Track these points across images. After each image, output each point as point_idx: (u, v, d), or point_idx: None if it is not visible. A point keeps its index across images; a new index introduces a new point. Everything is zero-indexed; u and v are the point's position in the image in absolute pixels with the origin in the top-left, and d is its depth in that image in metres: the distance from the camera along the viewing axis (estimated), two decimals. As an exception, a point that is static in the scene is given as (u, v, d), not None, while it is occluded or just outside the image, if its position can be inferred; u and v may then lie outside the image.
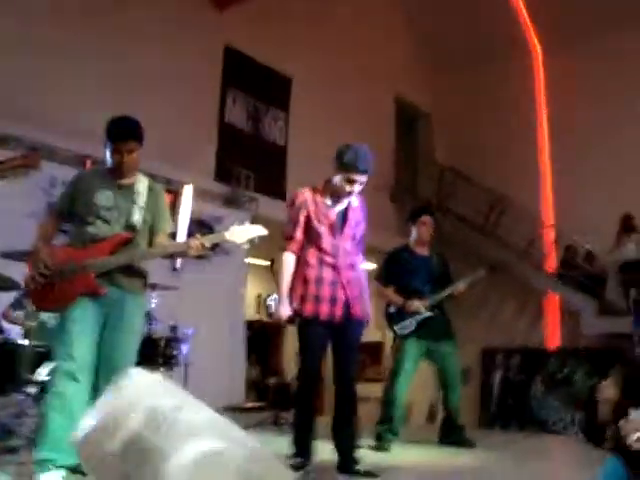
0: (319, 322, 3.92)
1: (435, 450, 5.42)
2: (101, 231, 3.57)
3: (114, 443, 1.89)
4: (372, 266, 12.97)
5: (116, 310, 3.54)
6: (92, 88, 7.54)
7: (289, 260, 4.00)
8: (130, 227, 3.65)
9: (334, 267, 3.97)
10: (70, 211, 3.66)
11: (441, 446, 5.49)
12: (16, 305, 5.38)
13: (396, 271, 5.54)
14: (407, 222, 5.84)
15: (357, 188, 3.99)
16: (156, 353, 5.54)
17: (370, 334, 12.68)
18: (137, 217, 3.65)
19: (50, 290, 3.49)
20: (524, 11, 12.76)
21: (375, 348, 12.41)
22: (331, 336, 3.99)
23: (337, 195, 4.02)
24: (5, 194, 5.55)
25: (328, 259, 3.96)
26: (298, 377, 4.08)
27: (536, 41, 12.96)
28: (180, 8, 8.86)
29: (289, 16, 10.20)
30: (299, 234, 3.99)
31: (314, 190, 4.06)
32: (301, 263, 4.00)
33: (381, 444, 5.21)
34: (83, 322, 3.44)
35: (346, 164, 3.90)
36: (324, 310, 3.92)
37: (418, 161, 13.57)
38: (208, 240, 3.65)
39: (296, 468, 3.55)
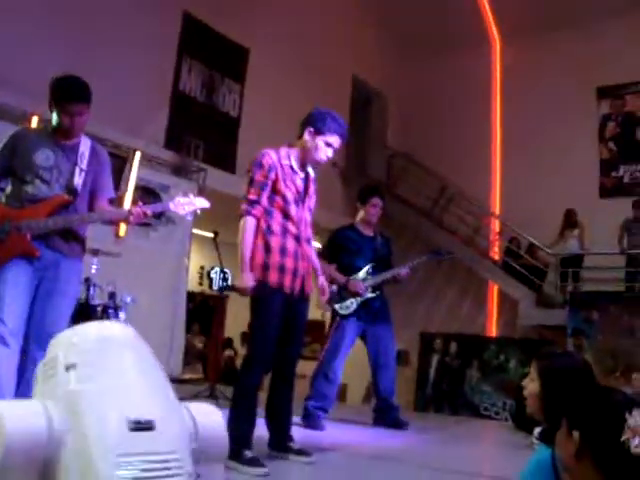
0: (281, 294, 3.62)
1: (369, 431, 5.46)
2: (40, 191, 3.46)
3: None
4: (318, 245, 13.02)
5: (50, 273, 3.46)
6: (42, 43, 7.30)
7: (251, 225, 3.61)
8: (70, 190, 3.55)
9: (297, 238, 3.72)
10: (7, 168, 3.52)
11: (375, 427, 5.53)
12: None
13: (340, 249, 5.52)
14: (357, 201, 5.81)
15: (331, 154, 3.83)
16: (93, 319, 5.45)
17: (311, 312, 12.78)
18: (78, 179, 3.56)
19: None
20: (485, 1, 12.84)
21: (316, 326, 12.48)
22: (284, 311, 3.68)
23: (306, 161, 3.81)
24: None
25: (292, 228, 3.70)
26: (248, 357, 3.67)
27: (495, 30, 13.06)
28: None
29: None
30: (264, 198, 3.63)
31: (278, 152, 3.75)
32: (261, 230, 3.63)
33: (312, 421, 5.18)
34: (16, 284, 3.34)
35: (326, 127, 3.73)
36: (287, 282, 3.64)
37: (370, 143, 13.58)
38: (151, 209, 3.60)
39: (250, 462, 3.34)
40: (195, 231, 9.14)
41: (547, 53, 11.84)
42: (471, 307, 11.89)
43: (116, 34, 8.12)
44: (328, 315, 5.73)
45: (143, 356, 1.95)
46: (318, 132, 3.75)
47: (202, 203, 3.71)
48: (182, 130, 9.19)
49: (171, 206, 3.63)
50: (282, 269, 3.63)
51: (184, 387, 6.96)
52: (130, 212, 3.54)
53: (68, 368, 1.71)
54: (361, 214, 5.66)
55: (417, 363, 10.98)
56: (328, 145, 3.77)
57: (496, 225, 12.38)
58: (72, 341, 1.81)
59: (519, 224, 11.24)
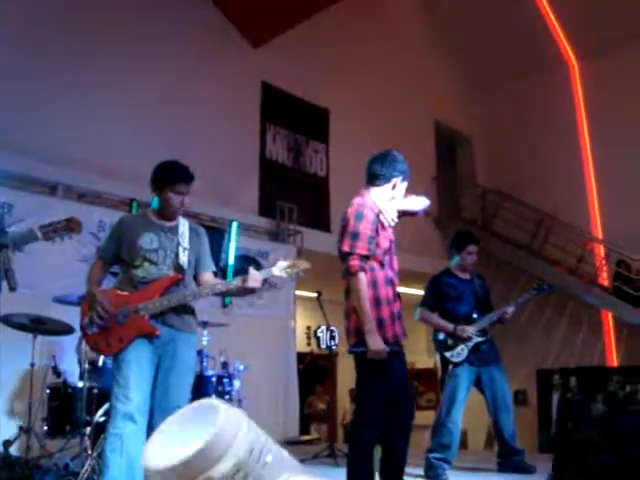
0: (399, 348, 3.48)
1: (494, 477, 5.31)
2: (150, 274, 3.66)
3: (218, 469, 1.80)
4: (420, 292, 12.96)
5: (169, 350, 3.63)
6: (135, 133, 7.75)
7: (365, 281, 3.38)
8: (178, 268, 3.74)
9: (393, 284, 3.57)
10: (116, 255, 3.75)
11: (500, 473, 5.37)
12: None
13: (440, 296, 5.47)
14: (451, 247, 5.77)
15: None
16: (209, 390, 5.60)
17: (422, 361, 12.63)
18: (183, 257, 3.74)
19: (106, 334, 3.58)
20: (555, 24, 12.67)
21: (428, 375, 12.32)
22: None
23: (397, 212, 3.65)
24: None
25: (391, 275, 3.56)
26: (361, 415, 3.51)
27: (570, 52, 12.84)
28: (215, 48, 9.08)
29: (322, 49, 10.34)
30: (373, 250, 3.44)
31: (373, 204, 3.58)
32: (369, 283, 3.42)
33: (435, 474, 5.09)
34: (139, 364, 3.52)
35: (406, 175, 3.68)
36: (398, 331, 3.52)
37: (460, 184, 13.52)
38: (260, 276, 3.72)
39: None
40: (298, 292, 9.29)
41: (627, 67, 11.54)
42: (586, 338, 11.41)
43: (201, 112, 8.52)
44: (438, 363, 5.67)
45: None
46: (402, 179, 3.68)
47: (304, 265, 3.76)
48: (274, 195, 9.46)
49: (275, 271, 3.72)
50: (392, 320, 3.49)
51: (304, 448, 6.99)
52: (244, 280, 3.65)
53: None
54: (456, 260, 5.60)
55: (536, 402, 10.60)
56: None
57: (601, 250, 11.96)
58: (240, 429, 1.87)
59: (625, 246, 10.84)
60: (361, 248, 3.41)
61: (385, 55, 11.41)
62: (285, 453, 1.94)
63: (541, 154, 12.23)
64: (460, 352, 5.30)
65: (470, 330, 5.29)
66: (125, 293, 3.66)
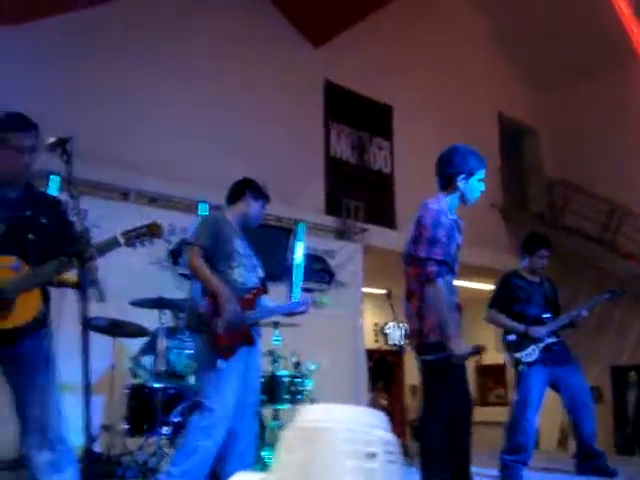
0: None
1: (571, 479, 5.21)
2: (247, 280, 3.79)
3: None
4: (486, 287, 12.79)
5: (253, 355, 3.77)
6: (201, 136, 7.87)
7: (444, 287, 3.40)
8: (262, 280, 3.89)
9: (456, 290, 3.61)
10: (212, 250, 3.76)
11: (579, 476, 5.26)
12: (146, 350, 5.65)
13: (509, 298, 5.40)
14: (522, 249, 5.66)
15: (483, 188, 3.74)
16: (282, 390, 5.67)
17: (491, 356, 12.47)
18: (260, 270, 3.85)
19: (230, 336, 3.65)
20: (628, 21, 12.29)
21: (497, 370, 12.17)
22: None
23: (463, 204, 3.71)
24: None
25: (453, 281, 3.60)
26: (432, 419, 3.51)
27: (642, 44, 12.45)
28: (277, 49, 9.14)
29: (383, 46, 10.33)
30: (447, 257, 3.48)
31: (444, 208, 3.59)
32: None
33: (511, 475, 5.02)
34: (237, 369, 3.64)
35: (475, 165, 3.68)
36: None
37: (526, 176, 13.30)
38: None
39: None
40: (365, 290, 9.30)
41: None
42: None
43: (266, 114, 8.60)
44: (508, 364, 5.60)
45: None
46: (470, 174, 3.67)
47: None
48: (340, 194, 9.50)
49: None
50: (458, 326, 3.45)
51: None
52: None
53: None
54: (526, 262, 5.51)
55: (611, 400, 10.35)
56: (480, 180, 3.71)
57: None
58: None
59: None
60: (438, 254, 3.43)
61: (447, 49, 11.32)
62: None
63: (613, 146, 11.91)
64: (531, 352, 5.23)
65: (542, 331, 5.22)
66: (236, 296, 3.70)
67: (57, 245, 2.79)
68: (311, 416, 1.95)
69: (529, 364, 5.23)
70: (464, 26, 11.95)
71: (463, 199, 3.69)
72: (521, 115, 13.10)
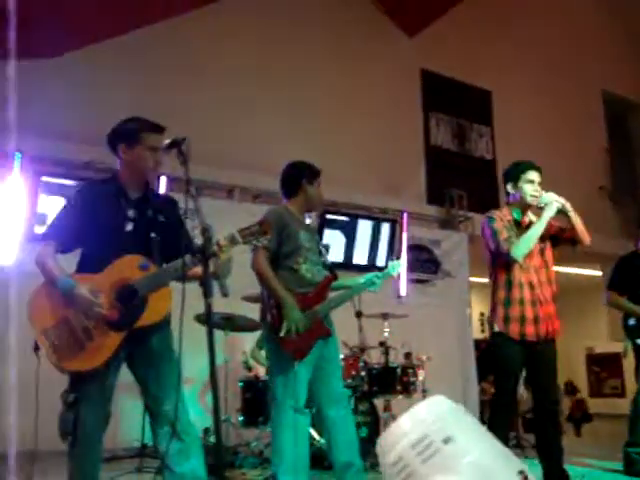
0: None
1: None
2: (314, 275, 3.74)
3: (390, 456, 2.09)
4: (594, 273, 12.34)
5: (329, 347, 3.76)
6: (298, 131, 7.88)
7: None
8: (330, 269, 3.85)
9: None
10: (278, 249, 3.70)
11: None
12: (261, 343, 5.75)
13: (630, 279, 5.16)
14: (638, 228, 5.42)
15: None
16: (394, 381, 5.67)
17: (604, 345, 12.07)
18: (327, 256, 3.87)
19: (300, 338, 3.61)
20: None
21: (611, 360, 11.76)
22: None
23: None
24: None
25: None
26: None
27: None
28: (372, 40, 9.11)
29: (477, 31, 10.11)
30: None
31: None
32: None
33: (633, 468, 4.81)
34: (310, 364, 3.64)
35: (521, 171, 4.06)
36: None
37: (635, 157, 12.72)
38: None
39: None
40: (472, 279, 9.17)
41: None
42: None
43: (361, 106, 8.58)
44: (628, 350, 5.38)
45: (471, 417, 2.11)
46: (516, 179, 4.03)
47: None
48: (442, 183, 9.39)
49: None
50: None
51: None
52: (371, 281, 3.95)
53: (447, 441, 1.88)
54: None
55: None
56: (530, 181, 4.00)
57: None
58: (426, 420, 1.96)
59: None
60: None
61: (545, 29, 10.94)
62: (470, 455, 1.99)
63: None
64: None
65: None
66: (301, 295, 3.67)
67: (176, 243, 2.85)
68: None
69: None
70: (564, 5, 11.53)
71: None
72: (627, 91, 12.52)
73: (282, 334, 3.54)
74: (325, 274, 3.81)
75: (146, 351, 2.93)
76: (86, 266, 2.91)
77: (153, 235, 2.95)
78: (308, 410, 3.64)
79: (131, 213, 2.97)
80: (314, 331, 3.63)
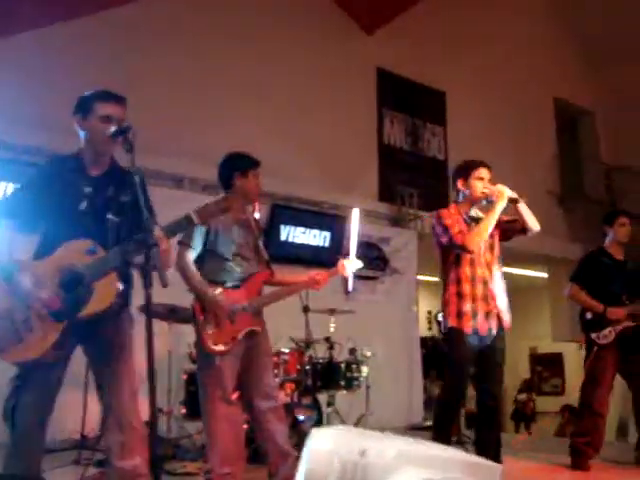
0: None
1: (632, 471, 5.08)
2: (246, 270, 3.69)
3: None
4: (541, 275, 12.55)
5: (260, 338, 3.73)
6: (254, 124, 7.83)
7: None
8: (264, 262, 3.80)
9: None
10: (208, 248, 3.66)
11: (639, 466, 5.14)
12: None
13: (593, 275, 5.23)
14: (603, 226, 5.51)
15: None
16: (338, 376, 5.70)
17: (547, 345, 12.30)
18: (263, 252, 3.82)
19: (221, 332, 3.58)
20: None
21: (553, 360, 12.01)
22: None
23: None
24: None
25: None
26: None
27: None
28: (329, 37, 9.10)
29: (435, 32, 10.18)
30: None
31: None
32: None
33: (580, 461, 4.95)
34: (236, 356, 3.62)
35: (472, 169, 4.12)
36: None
37: (583, 162, 12.97)
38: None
39: None
40: (420, 277, 9.26)
41: None
42: None
43: (317, 100, 8.59)
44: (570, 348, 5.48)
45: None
46: (467, 177, 4.09)
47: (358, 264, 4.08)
48: (393, 180, 9.45)
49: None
50: None
51: (428, 434, 6.96)
52: (314, 280, 3.84)
53: (363, 454, 1.87)
54: (610, 236, 5.34)
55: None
56: (480, 179, 4.06)
57: None
58: (332, 450, 1.96)
59: None
60: None
61: (500, 33, 11.08)
62: (392, 453, 1.95)
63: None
64: (607, 335, 5.06)
65: (622, 312, 5.05)
66: (232, 291, 3.64)
67: (135, 226, 2.70)
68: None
69: (603, 346, 5.08)
70: (520, 9, 11.69)
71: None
72: (577, 99, 12.77)
73: (207, 328, 3.54)
74: (258, 270, 3.77)
75: (99, 342, 2.86)
76: (42, 248, 2.81)
77: (110, 216, 2.83)
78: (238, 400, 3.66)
79: (87, 190, 2.85)
80: (238, 324, 3.60)
